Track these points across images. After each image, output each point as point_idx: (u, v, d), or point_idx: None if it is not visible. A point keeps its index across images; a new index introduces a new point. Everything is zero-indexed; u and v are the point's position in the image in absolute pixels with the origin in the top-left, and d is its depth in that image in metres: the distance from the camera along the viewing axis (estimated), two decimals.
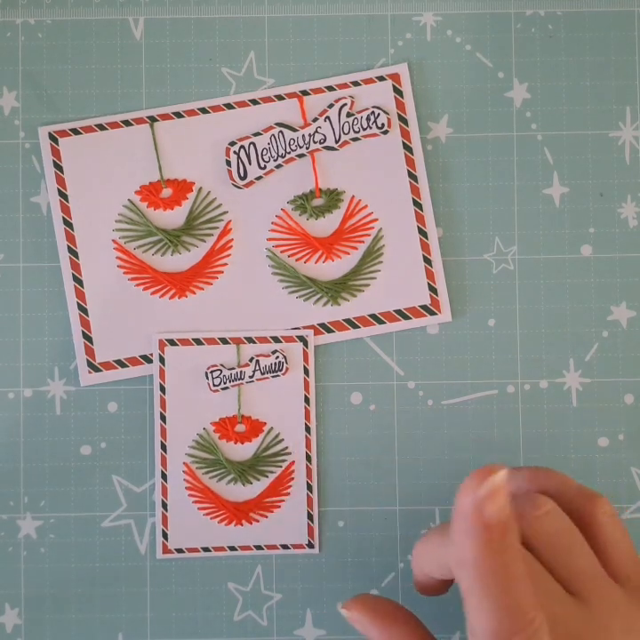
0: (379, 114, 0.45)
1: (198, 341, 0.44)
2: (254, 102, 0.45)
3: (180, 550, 0.44)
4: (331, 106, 0.45)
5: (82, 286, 0.45)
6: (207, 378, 0.44)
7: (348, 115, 0.45)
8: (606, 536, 0.36)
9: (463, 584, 0.31)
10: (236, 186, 0.45)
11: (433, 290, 0.45)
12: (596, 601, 0.33)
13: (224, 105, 0.45)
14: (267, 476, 0.45)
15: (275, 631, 0.44)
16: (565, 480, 0.38)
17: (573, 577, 0.34)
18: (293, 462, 0.45)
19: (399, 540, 0.45)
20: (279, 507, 0.44)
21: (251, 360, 0.44)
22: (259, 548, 0.44)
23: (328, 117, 0.45)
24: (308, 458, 0.45)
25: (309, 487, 0.44)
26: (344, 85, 0.45)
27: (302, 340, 0.45)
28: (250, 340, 0.44)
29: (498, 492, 0.30)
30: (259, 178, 0.45)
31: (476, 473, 0.30)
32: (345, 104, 0.45)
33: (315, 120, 0.45)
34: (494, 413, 0.45)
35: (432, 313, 0.45)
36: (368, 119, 0.45)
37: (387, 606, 0.37)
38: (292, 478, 0.45)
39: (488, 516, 0.30)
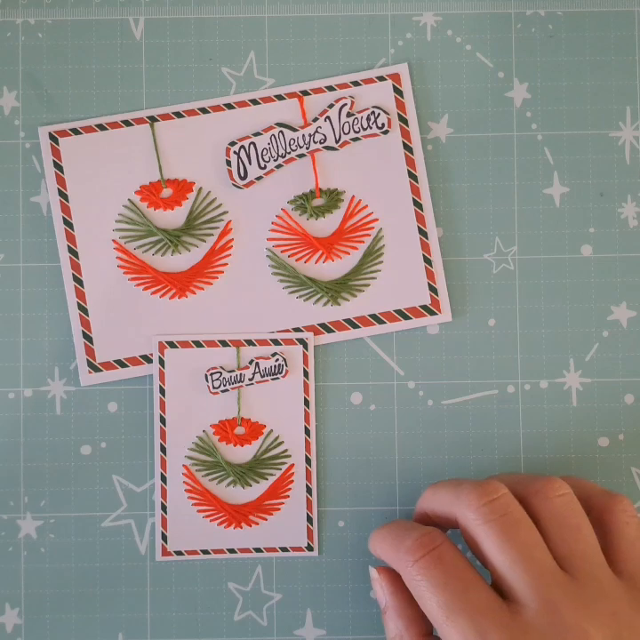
0: (379, 114, 0.45)
1: (198, 344, 0.44)
2: (254, 102, 0.45)
3: (179, 553, 0.44)
4: (331, 106, 0.45)
5: (82, 286, 0.45)
6: (207, 380, 0.44)
7: (349, 115, 0.45)
8: (621, 531, 0.38)
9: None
10: (236, 186, 0.45)
11: (433, 290, 0.45)
12: (586, 580, 0.35)
13: (224, 105, 0.45)
14: (266, 479, 0.45)
15: (275, 631, 0.44)
16: (590, 484, 0.41)
17: (571, 556, 0.36)
18: (293, 465, 0.45)
19: None
20: (279, 509, 0.44)
21: (250, 362, 0.44)
22: (258, 550, 0.44)
23: (328, 117, 0.45)
24: (308, 460, 0.45)
25: (309, 490, 0.44)
26: (344, 85, 0.45)
27: (302, 342, 0.44)
28: (250, 342, 0.44)
29: None
30: (259, 178, 0.45)
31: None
32: (345, 104, 0.45)
33: (315, 120, 0.45)
34: (494, 413, 0.45)
35: (432, 313, 0.45)
36: (368, 119, 0.45)
37: (406, 592, 0.39)
38: (292, 481, 0.45)
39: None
